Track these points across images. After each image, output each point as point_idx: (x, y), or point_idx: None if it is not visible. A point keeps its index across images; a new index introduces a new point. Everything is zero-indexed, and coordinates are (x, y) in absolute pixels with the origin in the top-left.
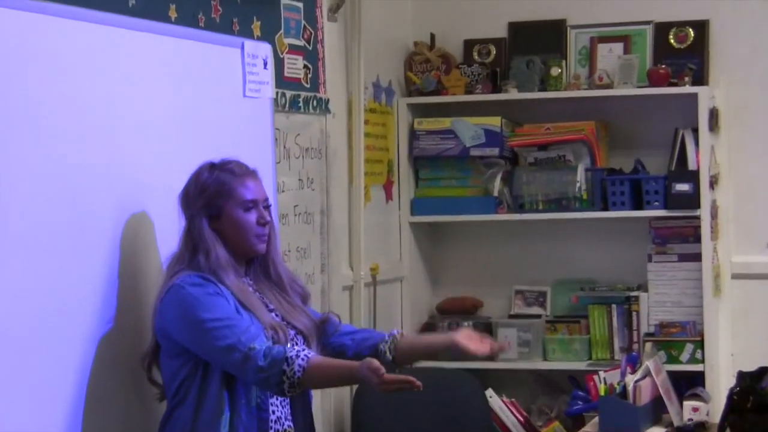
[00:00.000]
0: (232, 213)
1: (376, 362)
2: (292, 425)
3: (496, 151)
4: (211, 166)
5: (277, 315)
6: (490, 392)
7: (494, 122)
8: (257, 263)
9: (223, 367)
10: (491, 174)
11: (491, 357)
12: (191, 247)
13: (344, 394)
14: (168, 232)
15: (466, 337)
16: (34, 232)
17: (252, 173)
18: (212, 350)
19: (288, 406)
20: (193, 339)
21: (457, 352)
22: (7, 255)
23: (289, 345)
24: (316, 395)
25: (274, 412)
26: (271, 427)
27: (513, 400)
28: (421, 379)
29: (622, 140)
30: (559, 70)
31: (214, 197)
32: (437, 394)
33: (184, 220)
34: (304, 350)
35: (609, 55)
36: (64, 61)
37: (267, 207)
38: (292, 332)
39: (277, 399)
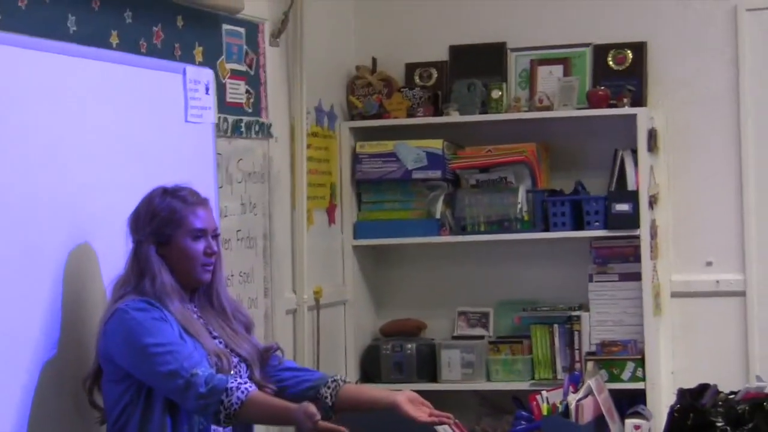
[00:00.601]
0: (180, 241)
1: (312, 408)
2: None
3: (438, 173)
4: (164, 192)
5: (220, 342)
6: None
7: (436, 145)
8: (202, 291)
9: (165, 393)
10: (433, 196)
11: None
12: (137, 272)
13: None
14: (111, 258)
15: (408, 400)
16: None
17: (204, 202)
18: (154, 375)
19: None
20: (135, 364)
21: (397, 414)
22: None
23: (232, 372)
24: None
25: None
26: None
27: (457, 421)
28: None
29: (562, 162)
30: (500, 93)
31: (164, 225)
32: (381, 416)
33: (131, 242)
34: (246, 383)
35: (549, 78)
36: (3, 88)
37: (216, 236)
38: (236, 359)
39: (220, 426)
